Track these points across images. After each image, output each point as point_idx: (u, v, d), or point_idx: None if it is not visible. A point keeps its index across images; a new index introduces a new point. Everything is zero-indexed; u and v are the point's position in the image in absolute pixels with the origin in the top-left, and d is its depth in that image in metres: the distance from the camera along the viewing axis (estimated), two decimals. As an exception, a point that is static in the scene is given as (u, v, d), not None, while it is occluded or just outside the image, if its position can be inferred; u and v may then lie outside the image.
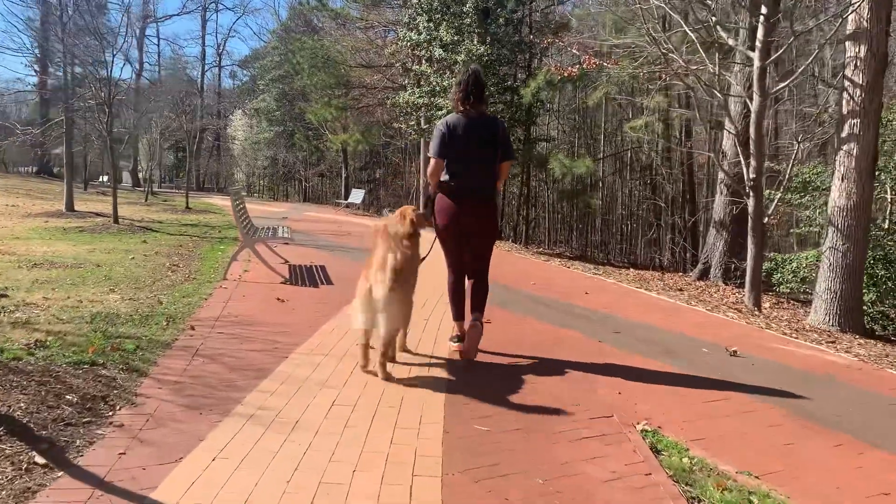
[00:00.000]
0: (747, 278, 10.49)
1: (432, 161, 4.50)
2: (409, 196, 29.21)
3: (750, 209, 10.26)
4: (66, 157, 15.33)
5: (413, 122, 21.49)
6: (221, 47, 55.40)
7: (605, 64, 16.94)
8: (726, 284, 14.89)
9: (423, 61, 22.05)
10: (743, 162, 10.41)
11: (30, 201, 19.13)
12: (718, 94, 11.25)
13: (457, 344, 4.72)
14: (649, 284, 13.45)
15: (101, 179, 52.23)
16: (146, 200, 21.90)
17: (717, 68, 10.55)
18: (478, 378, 4.14)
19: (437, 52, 19.84)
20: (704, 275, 15.75)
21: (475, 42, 19.12)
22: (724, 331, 6.24)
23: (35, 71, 34.06)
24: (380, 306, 3.77)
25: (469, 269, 4.72)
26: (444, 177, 4.52)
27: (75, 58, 13.99)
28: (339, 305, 5.96)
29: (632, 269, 17.93)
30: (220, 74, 56.47)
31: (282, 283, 7.03)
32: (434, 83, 19.73)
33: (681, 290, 13.47)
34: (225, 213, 19.97)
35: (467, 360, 4.48)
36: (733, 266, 15.44)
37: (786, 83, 10.83)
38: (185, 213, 18.70)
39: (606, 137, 25.53)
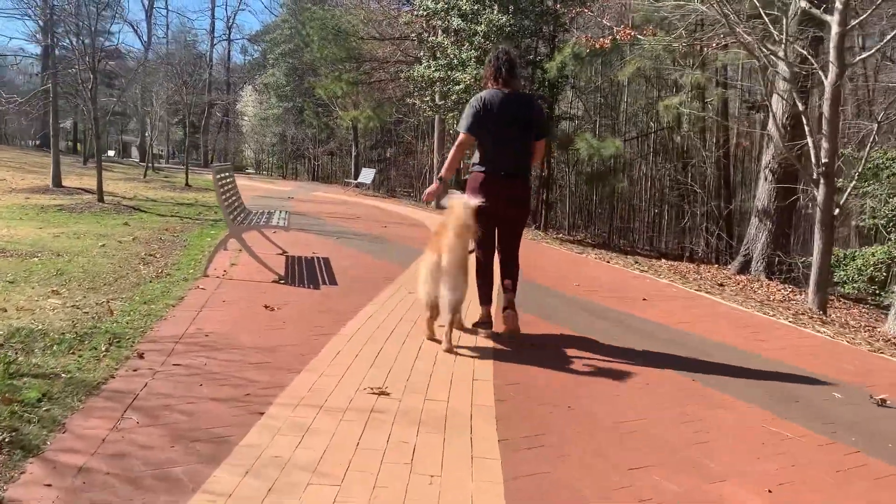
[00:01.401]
0: (812, 278, 9.15)
1: (461, 135, 4.36)
2: (421, 177, 27.82)
3: (819, 199, 8.91)
4: (52, 129, 14.06)
5: (427, 98, 20.07)
6: (231, 20, 53.81)
7: (639, 35, 15.43)
8: (770, 279, 13.53)
9: (440, 32, 20.58)
10: (811, 143, 9.02)
11: (20, 175, 17.94)
12: (782, 64, 9.82)
13: (485, 331, 4.57)
14: (687, 279, 12.19)
15: (107, 154, 51.12)
16: (145, 177, 20.67)
17: (785, 35, 9.11)
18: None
19: (456, 21, 18.38)
20: (745, 268, 14.37)
21: (496, 11, 17.65)
22: (829, 356, 4.90)
23: (37, 40, 32.94)
24: (451, 276, 3.85)
25: (501, 249, 4.60)
26: (475, 158, 4.44)
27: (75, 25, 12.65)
28: (342, 317, 4.66)
29: (663, 260, 16.58)
30: (229, 48, 55.07)
31: (274, 281, 5.74)
32: (451, 55, 18.30)
33: (721, 285, 12.20)
34: (226, 191, 18.71)
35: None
36: (777, 259, 14.08)
37: (870, 52, 9.37)
38: (184, 190, 17.44)
39: (632, 117, 24.01)
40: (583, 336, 4.76)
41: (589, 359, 4.20)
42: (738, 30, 9.11)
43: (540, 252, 10.31)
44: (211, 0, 52.10)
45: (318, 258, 7.24)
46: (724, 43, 15.75)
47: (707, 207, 17.60)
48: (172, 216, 11.00)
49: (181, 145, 58.26)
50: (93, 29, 11.35)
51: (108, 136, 54.42)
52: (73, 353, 3.44)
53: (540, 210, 20.05)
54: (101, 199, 11.45)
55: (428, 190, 4.66)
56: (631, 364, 4.12)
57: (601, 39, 15.53)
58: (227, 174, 6.50)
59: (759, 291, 12.06)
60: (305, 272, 6.37)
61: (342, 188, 25.76)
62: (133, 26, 48.04)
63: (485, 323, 4.54)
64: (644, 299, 6.46)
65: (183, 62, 26.75)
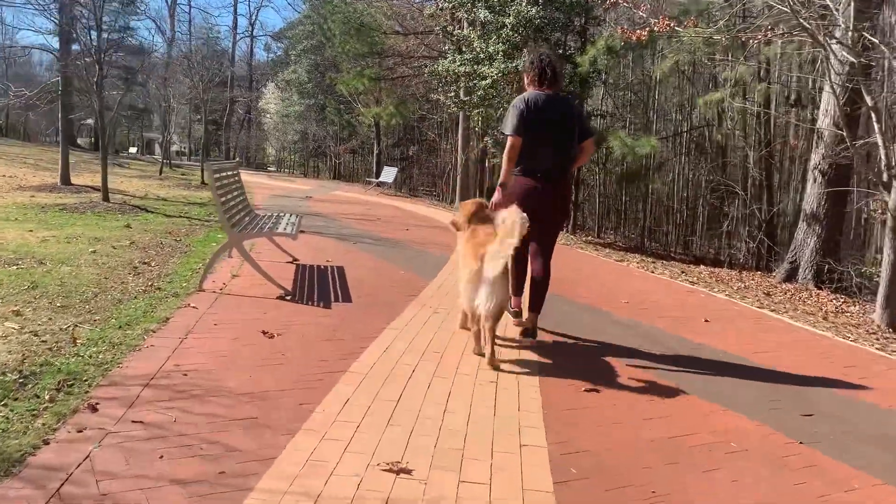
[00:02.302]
0: (881, 292, 8.20)
1: (510, 139, 4.28)
2: (445, 176, 26.99)
3: (890, 204, 7.98)
4: (60, 124, 13.46)
5: (452, 94, 19.24)
6: (254, 16, 53.37)
7: (678, 28, 14.45)
8: (819, 289, 12.51)
9: (466, 25, 19.74)
10: (881, 142, 8.08)
11: (31, 172, 17.43)
12: (840, 52, 8.87)
13: (516, 319, 4.62)
14: (732, 287, 11.27)
15: (129, 151, 50.98)
16: (160, 174, 20.09)
17: (851, 18, 8.17)
18: None
19: (483, 13, 17.53)
20: (791, 276, 13.32)
21: (525, 3, 16.80)
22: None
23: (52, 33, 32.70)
24: (492, 285, 3.74)
25: (534, 252, 4.49)
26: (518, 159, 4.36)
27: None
28: (354, 346, 3.86)
29: (702, 266, 15.61)
30: (251, 44, 54.72)
31: (279, 297, 4.96)
32: (477, 49, 17.45)
33: (768, 294, 11.26)
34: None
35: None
36: (827, 267, 13.04)
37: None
38: (198, 189, 16.80)
39: (665, 114, 22.96)
40: (651, 377, 3.91)
41: (666, 410, 3.34)
42: (802, 12, 8.15)
43: (577, 260, 9.44)
44: (234, -4, 51.50)
45: (331, 268, 6.45)
46: (768, 36, 14.69)
47: (748, 210, 16.54)
48: (180, 217, 10.30)
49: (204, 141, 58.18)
50: (98, 17, 10.66)
51: (131, 133, 54.42)
52: (4, 405, 2.67)
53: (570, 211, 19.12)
54: (106, 198, 10.78)
55: (494, 200, 4.36)
56: (719, 417, 3.26)
57: (638, 31, 14.57)
58: (227, 172, 5.73)
59: (809, 302, 11.08)
60: (316, 285, 5.57)
61: (363, 187, 25.05)
62: (156, 22, 47.89)
63: (517, 312, 4.61)
64: (706, 321, 5.57)
65: (204, 58, 26.22)
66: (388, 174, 23.45)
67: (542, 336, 4.50)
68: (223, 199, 5.15)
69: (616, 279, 7.70)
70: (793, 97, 18.58)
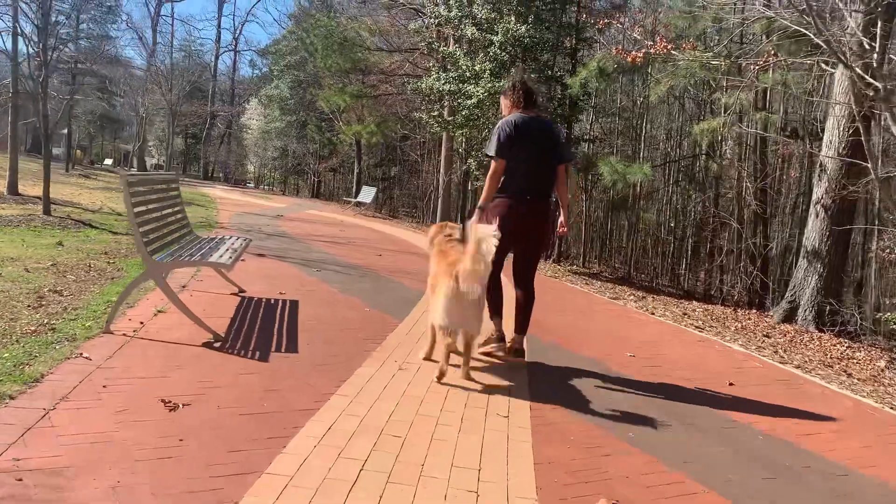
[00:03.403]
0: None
1: (494, 163, 4.32)
2: (426, 198, 26.05)
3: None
4: (10, 130, 12.35)
5: (436, 113, 18.40)
6: (238, 31, 52.52)
7: (673, 52, 13.73)
8: (820, 331, 11.68)
9: (452, 42, 18.97)
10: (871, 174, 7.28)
11: (-17, 181, 16.23)
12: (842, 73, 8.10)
13: (500, 343, 4.43)
14: (728, 327, 10.42)
15: (105, 162, 49.51)
16: (125, 187, 18.90)
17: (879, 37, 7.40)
18: None
19: (470, 30, 16.78)
20: (790, 316, 12.48)
21: (514, 21, 16.08)
22: None
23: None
24: (469, 303, 3.70)
25: (516, 274, 4.51)
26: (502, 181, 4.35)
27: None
28: (286, 424, 2.84)
29: (695, 302, 14.77)
30: (235, 59, 53.85)
31: (206, 344, 3.94)
32: (463, 67, 16.66)
33: (767, 336, 10.39)
34: (211, 205, 16.99)
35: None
36: (828, 308, 12.23)
37: None
38: (161, 204, 15.66)
39: (655, 142, 22.31)
40: (680, 477, 2.93)
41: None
42: (823, 32, 7.36)
43: (571, 298, 8.51)
44: (217, 9, 50.62)
45: (284, 302, 5.43)
46: (770, 62, 14.05)
47: (744, 244, 15.75)
48: (128, 234, 9.22)
49: (183, 155, 56.87)
50: (44, 15, 9.63)
51: (107, 144, 53.03)
52: None
53: (554, 239, 18.25)
54: (46, 212, 9.68)
55: (472, 222, 4.21)
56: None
57: (633, 53, 13.84)
58: (153, 186, 4.70)
59: (812, 346, 10.22)
60: (258, 327, 4.55)
61: (341, 207, 24.05)
62: (138, 32, 46.79)
63: (499, 336, 4.43)
64: (731, 384, 4.62)
65: (183, 70, 25.29)
66: (367, 194, 22.50)
67: (543, 406, 3.53)
68: (141, 218, 4.13)
69: (617, 324, 6.74)
70: (790, 127, 17.96)
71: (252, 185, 47.93)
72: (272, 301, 5.44)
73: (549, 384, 4.08)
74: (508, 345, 4.40)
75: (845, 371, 6.91)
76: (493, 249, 3.55)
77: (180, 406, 2.96)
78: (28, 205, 11.60)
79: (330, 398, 3.28)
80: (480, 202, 4.36)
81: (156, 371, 3.39)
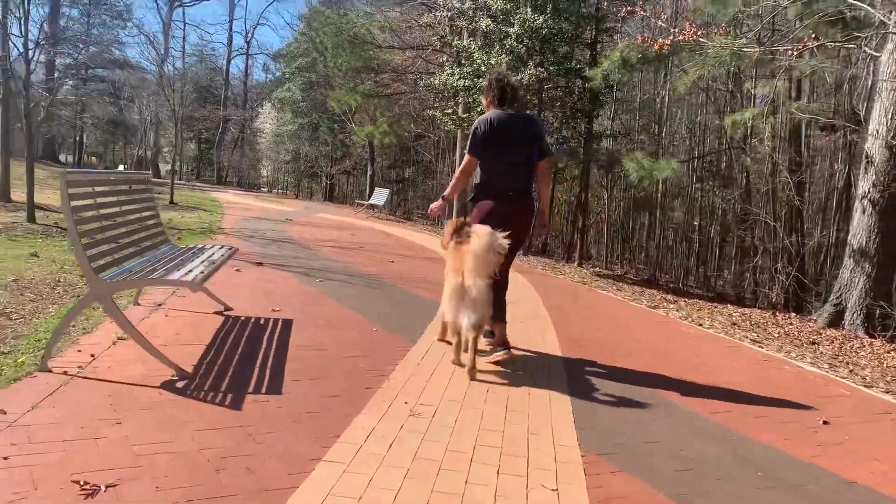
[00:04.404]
0: None
1: (466, 157, 4.36)
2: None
3: None
4: (0, 131, 11.66)
5: (450, 110, 17.54)
6: (250, 34, 51.92)
7: (702, 39, 12.77)
8: (871, 336, 10.69)
9: (466, 35, 18.11)
10: None
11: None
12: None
13: (503, 352, 4.17)
14: (771, 333, 9.56)
15: (119, 168, 49.17)
16: (129, 192, 18.24)
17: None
18: None
19: (485, 22, 15.93)
20: (836, 320, 11.48)
21: (531, 11, 15.21)
22: None
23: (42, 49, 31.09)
24: (476, 298, 3.78)
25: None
26: (477, 178, 4.44)
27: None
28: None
29: (729, 306, 13.79)
30: (247, 63, 53.34)
31: (168, 383, 3.11)
32: (479, 61, 15.79)
33: (813, 343, 9.47)
34: (217, 210, 16.26)
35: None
36: (878, 311, 11.22)
37: None
38: (164, 209, 14.95)
39: (681, 135, 21.33)
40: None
41: None
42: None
43: (605, 307, 7.60)
44: (229, 13, 50.11)
45: (275, 322, 4.59)
46: (808, 46, 12.94)
47: (780, 242, 14.72)
48: (117, 243, 8.44)
49: (197, 161, 56.48)
50: (26, 9, 8.91)
51: (114, 149, 52.76)
52: None
53: (575, 240, 17.35)
54: (30, 219, 8.95)
55: (432, 206, 4.64)
56: None
57: (661, 40, 12.89)
58: (110, 186, 3.88)
59: (863, 354, 9.25)
60: (238, 357, 3.71)
61: (353, 210, 23.28)
62: (149, 38, 46.35)
63: (502, 345, 4.22)
64: (825, 422, 3.71)
65: (194, 74, 24.68)
66: (380, 196, 21.68)
67: (601, 466, 2.66)
68: (88, 226, 3.31)
69: (666, 339, 5.83)
70: (823, 120, 16.87)
71: (266, 189, 47.35)
72: (262, 321, 4.60)
73: (603, 430, 3.20)
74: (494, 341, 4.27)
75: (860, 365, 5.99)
76: (503, 244, 3.76)
77: (102, 489, 2.12)
78: (20, 212, 10.89)
79: (315, 467, 2.43)
80: (447, 192, 4.47)
81: (87, 430, 2.56)
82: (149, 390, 3.04)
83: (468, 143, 4.35)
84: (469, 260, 3.82)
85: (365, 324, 4.90)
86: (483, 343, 4.30)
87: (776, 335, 9.87)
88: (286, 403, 3.07)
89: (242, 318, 4.62)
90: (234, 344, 3.97)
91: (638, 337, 5.83)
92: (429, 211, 4.81)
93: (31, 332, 3.86)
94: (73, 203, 3.20)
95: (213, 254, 4.25)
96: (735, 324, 8.12)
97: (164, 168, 55.85)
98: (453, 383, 3.67)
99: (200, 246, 4.68)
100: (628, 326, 6.34)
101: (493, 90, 4.43)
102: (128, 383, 3.12)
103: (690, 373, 4.53)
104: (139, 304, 4.74)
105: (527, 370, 4.15)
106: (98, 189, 3.60)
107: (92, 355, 3.48)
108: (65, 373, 3.17)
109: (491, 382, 3.80)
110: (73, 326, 3.92)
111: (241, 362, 3.62)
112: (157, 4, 48.95)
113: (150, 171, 40.75)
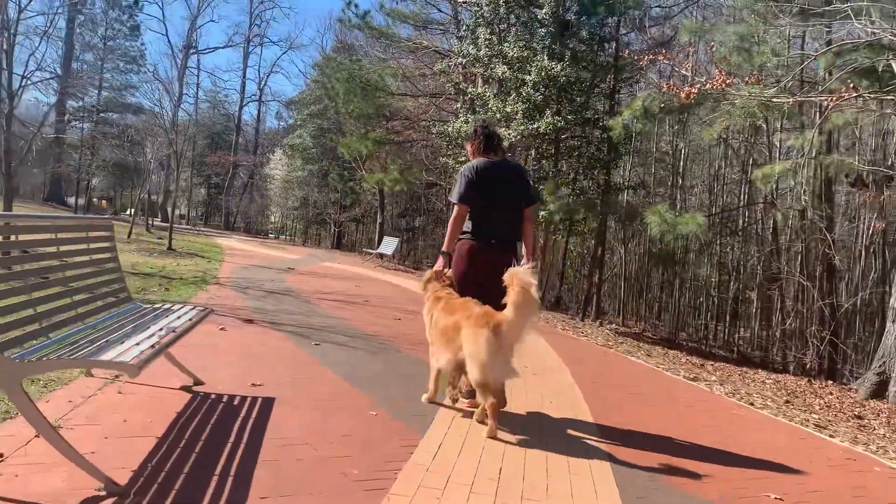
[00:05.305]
0: None
1: (456, 208, 4.29)
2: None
3: None
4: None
5: (463, 158, 16.93)
6: (263, 82, 52.23)
7: (729, 88, 12.14)
8: (920, 410, 9.71)
9: (481, 82, 17.64)
10: None
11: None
12: None
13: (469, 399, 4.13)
14: (812, 404, 8.64)
15: (127, 212, 48.94)
16: (129, 237, 17.63)
17: None
18: None
19: (501, 69, 15.45)
20: (880, 391, 10.52)
21: (548, 59, 14.73)
22: None
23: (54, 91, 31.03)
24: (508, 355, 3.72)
25: None
26: (467, 226, 4.31)
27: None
28: None
29: (761, 371, 12.82)
30: (259, 109, 53.57)
31: (89, 502, 2.27)
32: (494, 108, 15.26)
33: (858, 417, 8.52)
34: (217, 257, 15.54)
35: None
36: (926, 382, 10.26)
37: None
38: (161, 255, 14.25)
39: (700, 189, 20.66)
40: None
41: None
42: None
43: (635, 375, 6.71)
44: (243, 60, 50.52)
45: (253, 402, 3.75)
46: (844, 97, 12.25)
47: (814, 304, 13.80)
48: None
49: (206, 206, 56.29)
50: (10, 45, 8.38)
51: (122, 193, 52.64)
52: None
53: (592, 294, 16.49)
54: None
55: (436, 268, 4.34)
56: None
57: (687, 88, 12.27)
58: (53, 234, 3.11)
59: (916, 430, 8.25)
60: (195, 459, 2.86)
61: (361, 258, 22.56)
62: (164, 84, 46.69)
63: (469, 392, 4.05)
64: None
65: (206, 119, 24.42)
66: (389, 245, 20.99)
67: None
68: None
69: (716, 424, 4.92)
70: (855, 174, 16.09)
71: (273, 235, 46.91)
72: (236, 401, 3.76)
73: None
74: (466, 387, 4.10)
75: None
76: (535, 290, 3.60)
77: None
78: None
79: None
80: (444, 247, 4.36)
81: None
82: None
83: (455, 192, 4.31)
84: (510, 312, 3.61)
85: (363, 404, 4.04)
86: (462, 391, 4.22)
87: (817, 406, 8.94)
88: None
89: (213, 397, 3.78)
90: (193, 437, 3.12)
91: (682, 419, 4.91)
92: (433, 274, 4.42)
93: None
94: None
95: (175, 320, 3.45)
96: (788, 402, 7.18)
97: (177, 213, 55.68)
98: (475, 500, 2.80)
99: (166, 307, 3.87)
100: (670, 406, 5.43)
101: (479, 137, 4.45)
102: (36, 502, 2.28)
103: (759, 479, 3.62)
104: (92, 376, 3.92)
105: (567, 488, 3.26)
106: (22, 238, 2.82)
107: (0, 454, 2.65)
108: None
109: None
110: (5, 409, 3.10)
111: (195, 467, 2.77)
112: (173, 52, 49.52)
113: (159, 215, 40.44)
